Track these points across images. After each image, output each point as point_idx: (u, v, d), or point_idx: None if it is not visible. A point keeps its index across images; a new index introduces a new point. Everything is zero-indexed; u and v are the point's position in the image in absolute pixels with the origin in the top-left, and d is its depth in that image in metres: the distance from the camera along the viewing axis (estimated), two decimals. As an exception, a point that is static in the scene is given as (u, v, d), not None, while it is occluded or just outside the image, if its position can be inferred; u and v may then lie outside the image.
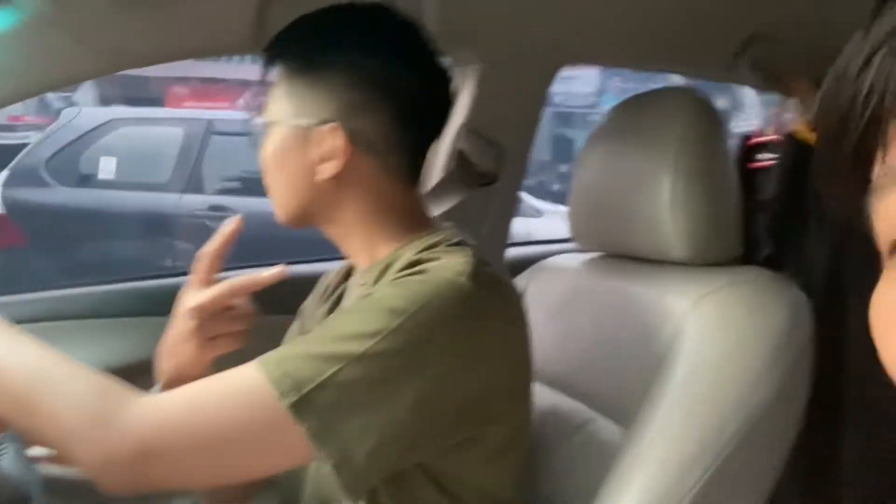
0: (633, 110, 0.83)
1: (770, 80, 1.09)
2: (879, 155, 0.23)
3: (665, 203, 0.73)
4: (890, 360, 0.24)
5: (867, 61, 0.22)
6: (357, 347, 0.53)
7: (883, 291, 0.24)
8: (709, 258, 0.74)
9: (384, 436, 0.54)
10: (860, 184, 0.25)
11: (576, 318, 0.82)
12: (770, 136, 1.12)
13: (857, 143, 0.24)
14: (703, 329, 0.68)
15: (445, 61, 0.70)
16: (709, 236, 0.73)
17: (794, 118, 1.07)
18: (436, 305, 0.56)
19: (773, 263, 1.01)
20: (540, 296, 0.84)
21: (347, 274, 0.75)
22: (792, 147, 1.04)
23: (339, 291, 0.75)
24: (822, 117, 0.26)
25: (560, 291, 0.87)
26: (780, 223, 1.01)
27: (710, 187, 0.73)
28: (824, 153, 0.27)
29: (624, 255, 0.81)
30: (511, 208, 1.20)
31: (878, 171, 0.24)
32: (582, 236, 0.85)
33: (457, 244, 0.63)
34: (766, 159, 1.09)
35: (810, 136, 1.04)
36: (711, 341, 0.67)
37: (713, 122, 0.74)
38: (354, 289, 0.70)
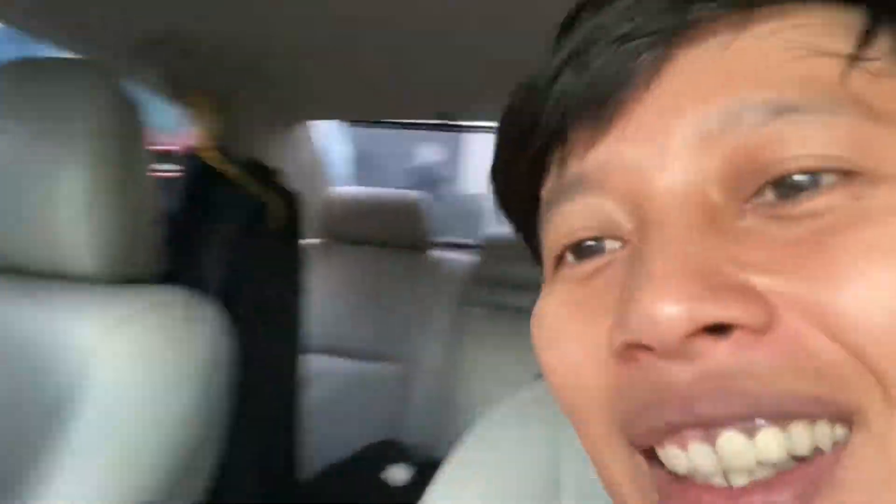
0: (26, 81, 0.63)
1: (172, 88, 1.04)
2: (555, 169, 0.22)
3: (70, 205, 0.57)
4: (550, 372, 0.22)
5: (554, 77, 0.21)
6: None
7: (544, 306, 0.23)
8: (123, 275, 0.62)
9: None
10: (533, 201, 0.24)
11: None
12: (171, 147, 1.06)
13: (536, 156, 0.22)
14: (120, 362, 0.56)
15: None
16: (124, 248, 0.61)
17: (195, 133, 1.05)
18: None
19: (171, 280, 0.95)
20: None
21: None
22: (193, 163, 1.01)
23: None
24: (507, 129, 0.24)
25: None
26: (181, 239, 0.96)
27: (128, 191, 0.62)
28: (502, 167, 0.24)
29: (9, 268, 0.60)
30: None
31: (552, 184, 0.23)
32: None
33: None
34: (164, 170, 1.03)
35: (210, 155, 1.03)
36: (130, 376, 0.56)
37: (132, 112, 0.63)
38: None
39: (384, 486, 1.03)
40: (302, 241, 1.20)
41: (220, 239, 0.98)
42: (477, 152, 4.22)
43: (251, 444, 1.05)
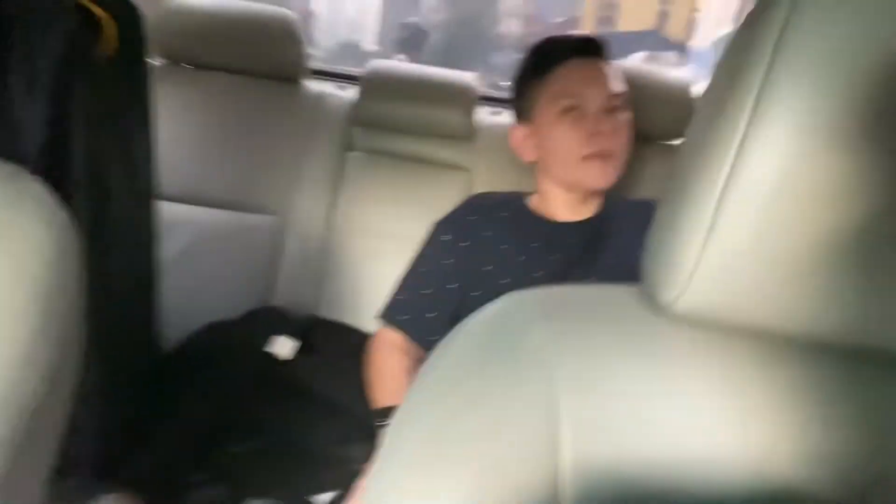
0: None
1: None
2: None
3: None
4: None
5: None
6: None
7: None
8: None
9: None
10: None
11: None
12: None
13: None
14: None
15: None
16: None
17: None
18: None
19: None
20: None
21: None
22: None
23: None
24: None
25: None
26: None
27: None
28: None
29: None
30: None
31: None
32: None
33: None
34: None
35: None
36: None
37: None
38: None
39: (270, 360, 0.94)
40: (145, 68, 0.95)
41: (33, 74, 0.72)
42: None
43: (108, 315, 0.89)
